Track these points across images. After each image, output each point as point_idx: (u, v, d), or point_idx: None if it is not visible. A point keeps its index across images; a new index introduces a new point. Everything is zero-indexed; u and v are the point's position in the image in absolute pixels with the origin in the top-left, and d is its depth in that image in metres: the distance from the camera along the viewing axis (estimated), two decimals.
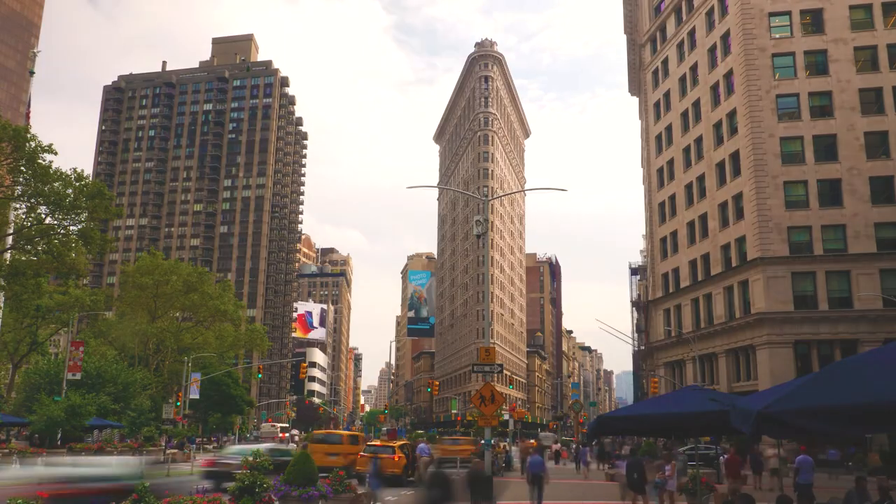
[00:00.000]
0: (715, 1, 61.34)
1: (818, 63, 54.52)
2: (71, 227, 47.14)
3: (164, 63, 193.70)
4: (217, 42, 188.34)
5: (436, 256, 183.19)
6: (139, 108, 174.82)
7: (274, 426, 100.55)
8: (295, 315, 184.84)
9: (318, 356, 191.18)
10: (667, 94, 69.64)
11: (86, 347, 54.57)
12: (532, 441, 57.65)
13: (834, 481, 31.08)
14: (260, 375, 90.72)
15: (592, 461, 44.82)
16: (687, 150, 64.91)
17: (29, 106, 45.60)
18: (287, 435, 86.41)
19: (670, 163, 68.19)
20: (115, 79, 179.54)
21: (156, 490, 13.25)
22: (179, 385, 67.20)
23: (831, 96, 53.45)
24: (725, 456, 26.56)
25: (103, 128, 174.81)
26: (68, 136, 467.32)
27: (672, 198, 67.25)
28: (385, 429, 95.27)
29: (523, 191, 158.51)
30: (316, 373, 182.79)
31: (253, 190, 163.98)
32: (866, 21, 54.25)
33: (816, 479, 31.72)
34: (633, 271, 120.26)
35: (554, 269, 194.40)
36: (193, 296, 77.05)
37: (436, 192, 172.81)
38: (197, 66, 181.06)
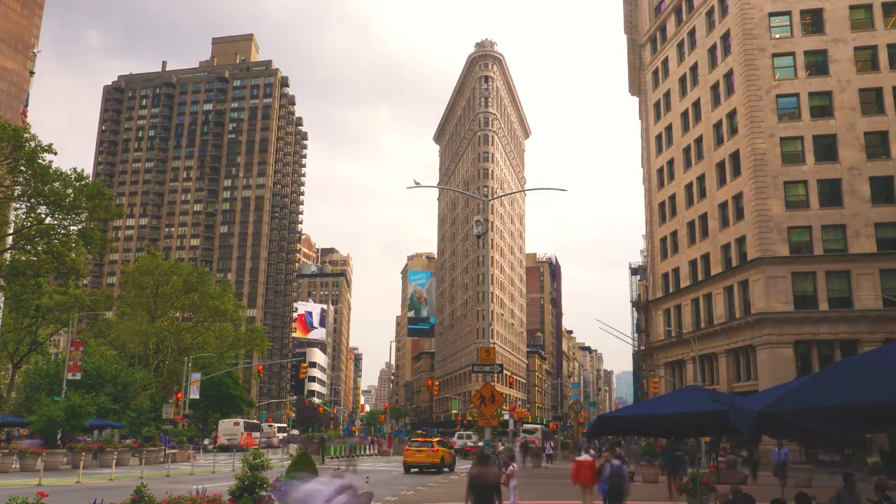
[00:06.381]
0: (715, 1, 61.32)
1: (818, 63, 54.50)
2: (71, 227, 47.08)
3: (164, 63, 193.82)
4: (217, 42, 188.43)
5: (436, 256, 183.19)
6: (139, 108, 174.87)
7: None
8: (295, 315, 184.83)
9: (318, 356, 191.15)
10: (667, 94, 69.62)
11: (86, 347, 54.49)
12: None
13: (833, 481, 31.03)
14: (260, 375, 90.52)
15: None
16: (687, 150, 64.90)
17: (27, 105, 45.57)
18: (284, 436, 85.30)
19: (670, 163, 68.18)
20: (115, 79, 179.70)
21: None
22: (179, 385, 67.13)
23: (831, 96, 53.44)
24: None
25: (103, 128, 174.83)
26: (68, 136, 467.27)
27: (672, 198, 67.23)
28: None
29: (523, 191, 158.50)
30: (316, 373, 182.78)
31: (253, 190, 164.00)
32: (866, 21, 54.23)
33: (816, 479, 31.75)
34: (633, 271, 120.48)
35: (554, 269, 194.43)
36: (193, 296, 77.03)
37: (436, 192, 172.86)
38: (197, 66, 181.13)
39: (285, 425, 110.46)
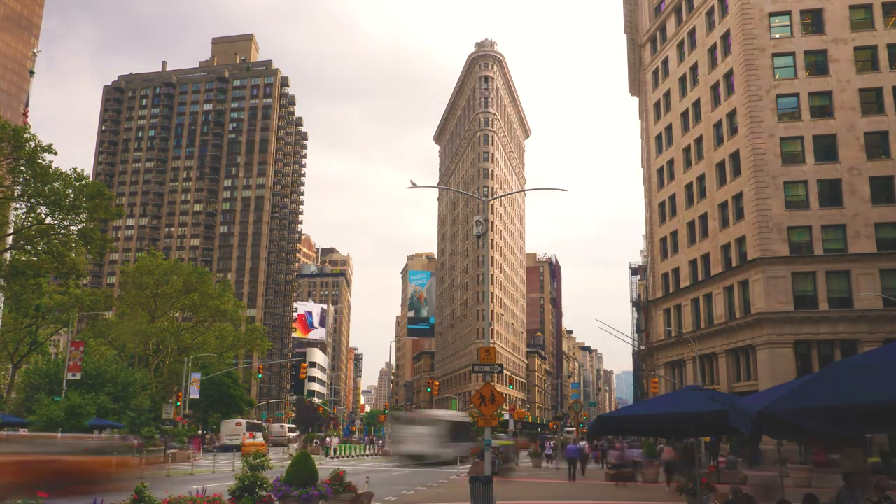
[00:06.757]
0: (715, 1, 61.30)
1: (818, 63, 54.46)
2: (71, 227, 47.08)
3: (164, 63, 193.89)
4: (217, 42, 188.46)
5: (436, 256, 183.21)
6: (139, 108, 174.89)
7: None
8: (295, 315, 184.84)
9: (318, 356, 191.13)
10: (667, 94, 69.61)
11: (86, 347, 54.49)
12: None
13: (833, 481, 31.00)
14: (260, 375, 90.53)
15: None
16: (687, 150, 64.89)
17: (27, 105, 45.54)
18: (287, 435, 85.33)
19: (670, 163, 68.17)
20: (115, 79, 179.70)
21: None
22: (179, 385, 67.10)
23: (831, 96, 53.42)
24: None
25: (103, 128, 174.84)
26: (68, 136, 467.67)
27: (672, 198, 67.22)
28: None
29: (523, 191, 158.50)
30: (316, 373, 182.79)
31: (253, 190, 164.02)
32: (866, 21, 54.21)
33: (815, 479, 31.73)
34: (633, 271, 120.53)
35: (554, 269, 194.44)
36: (193, 296, 77.04)
37: (436, 192, 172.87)
38: (197, 66, 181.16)
39: (292, 425, 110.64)
